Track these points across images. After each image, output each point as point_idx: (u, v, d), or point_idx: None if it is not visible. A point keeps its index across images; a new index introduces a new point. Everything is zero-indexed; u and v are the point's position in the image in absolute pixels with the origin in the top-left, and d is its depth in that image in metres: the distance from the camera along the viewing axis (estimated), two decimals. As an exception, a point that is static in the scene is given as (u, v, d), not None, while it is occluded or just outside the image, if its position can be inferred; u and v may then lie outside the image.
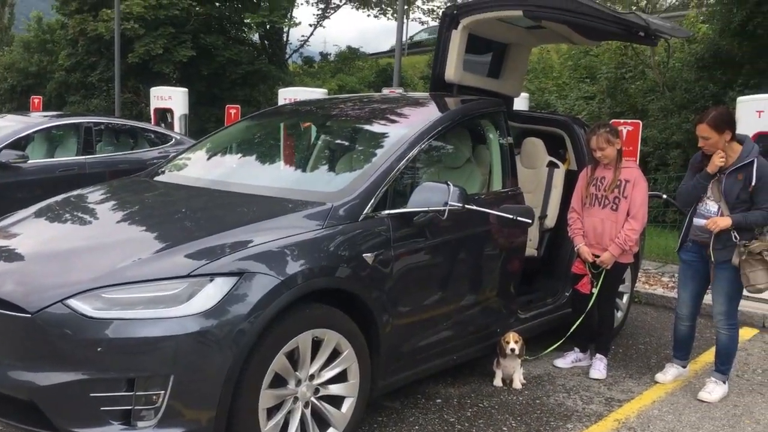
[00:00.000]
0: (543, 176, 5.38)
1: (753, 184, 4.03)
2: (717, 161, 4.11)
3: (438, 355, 3.97)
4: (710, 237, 4.16)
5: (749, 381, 4.68)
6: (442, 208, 3.57)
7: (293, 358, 3.16)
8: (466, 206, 3.62)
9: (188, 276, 2.89)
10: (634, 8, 13.91)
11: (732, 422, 4.01)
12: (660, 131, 11.09)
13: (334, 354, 3.31)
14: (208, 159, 4.62)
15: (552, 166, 5.39)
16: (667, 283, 7.14)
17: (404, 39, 20.34)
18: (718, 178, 4.16)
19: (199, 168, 4.44)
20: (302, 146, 4.83)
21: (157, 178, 4.28)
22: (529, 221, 3.82)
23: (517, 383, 4.37)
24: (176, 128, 10.91)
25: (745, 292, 4.26)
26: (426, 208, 3.59)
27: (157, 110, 11.49)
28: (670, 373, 4.56)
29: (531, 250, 5.04)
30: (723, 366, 4.37)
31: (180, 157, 4.70)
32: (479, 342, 4.28)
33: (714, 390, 4.32)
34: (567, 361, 4.80)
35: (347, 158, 4.28)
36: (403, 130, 4.12)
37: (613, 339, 5.02)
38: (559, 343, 4.71)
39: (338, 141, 4.73)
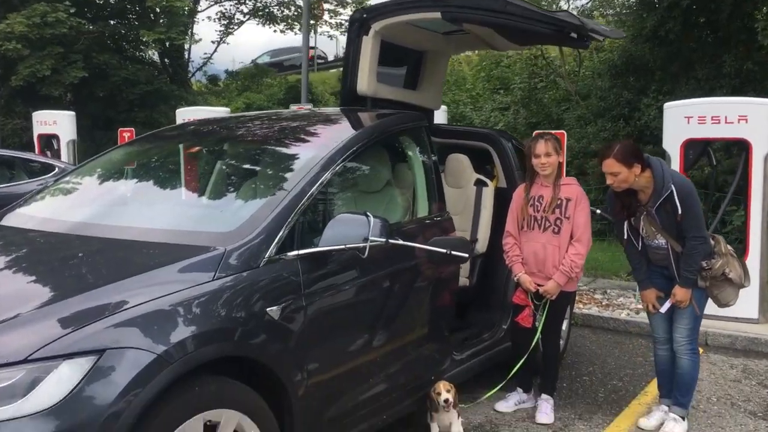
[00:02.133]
0: (471, 196, 4.86)
1: (679, 212, 3.62)
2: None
3: (366, 417, 3.33)
4: (669, 264, 3.74)
5: (706, 412, 4.25)
6: (362, 244, 2.95)
7: (180, 451, 2.46)
8: (390, 241, 3.01)
9: (25, 361, 2.15)
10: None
11: (700, 468, 3.54)
12: (577, 140, 10.90)
13: (235, 438, 2.62)
14: (71, 195, 3.83)
15: (480, 184, 4.87)
16: (601, 301, 6.76)
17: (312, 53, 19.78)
18: (647, 213, 3.73)
19: (58, 207, 3.65)
20: (193, 176, 4.10)
21: (2, 222, 3.46)
22: (465, 255, 3.24)
23: None
24: (63, 156, 9.87)
25: None
26: (343, 246, 2.95)
27: (41, 137, 10.41)
28: (655, 417, 4.03)
29: (462, 279, 4.48)
30: (684, 398, 3.92)
31: (38, 193, 3.88)
32: (412, 394, 3.66)
33: (674, 429, 3.86)
34: (509, 404, 4.25)
35: (247, 188, 3.60)
36: (312, 151, 3.49)
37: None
38: (499, 387, 4.16)
39: (237, 167, 4.03)
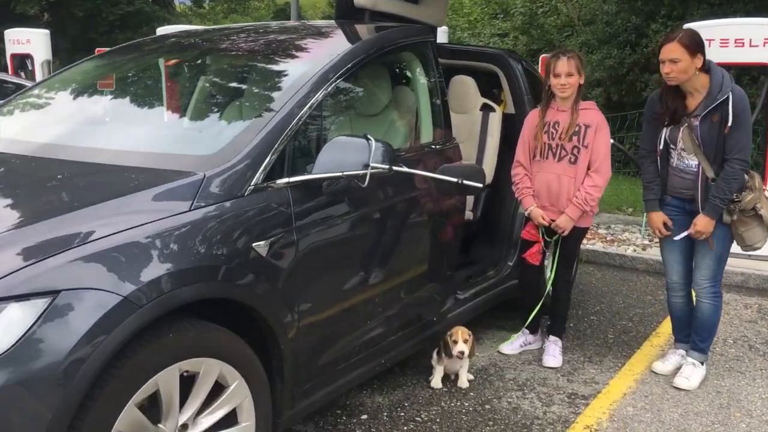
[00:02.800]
0: (476, 122, 4.46)
1: (729, 124, 3.24)
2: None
3: (363, 362, 3.03)
4: (695, 192, 3.37)
5: (723, 355, 4.00)
6: (362, 171, 2.58)
7: (153, 404, 2.15)
8: (394, 168, 2.65)
9: (-38, 303, 1.80)
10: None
11: (721, 418, 3.29)
12: (580, 68, 10.40)
13: (217, 389, 2.31)
14: (36, 113, 3.41)
15: (486, 109, 4.47)
16: (605, 236, 6.47)
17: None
18: (688, 124, 3.34)
19: (22, 126, 3.24)
20: (172, 93, 3.66)
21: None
22: (479, 185, 2.88)
23: (464, 381, 3.52)
24: (39, 77, 9.32)
25: None
26: (340, 173, 2.58)
27: (14, 56, 9.81)
28: (671, 362, 3.75)
29: (466, 212, 4.14)
30: (703, 344, 3.64)
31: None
32: (412, 337, 3.36)
33: (692, 374, 3.60)
34: (515, 346, 3.97)
35: (232, 108, 3.19)
36: (303, 68, 3.07)
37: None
38: (515, 337, 3.88)
39: (221, 85, 3.60)
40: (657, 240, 6.42)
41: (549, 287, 3.88)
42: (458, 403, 3.36)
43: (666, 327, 4.39)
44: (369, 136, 2.63)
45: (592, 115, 3.60)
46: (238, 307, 2.38)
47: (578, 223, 3.67)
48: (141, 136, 2.96)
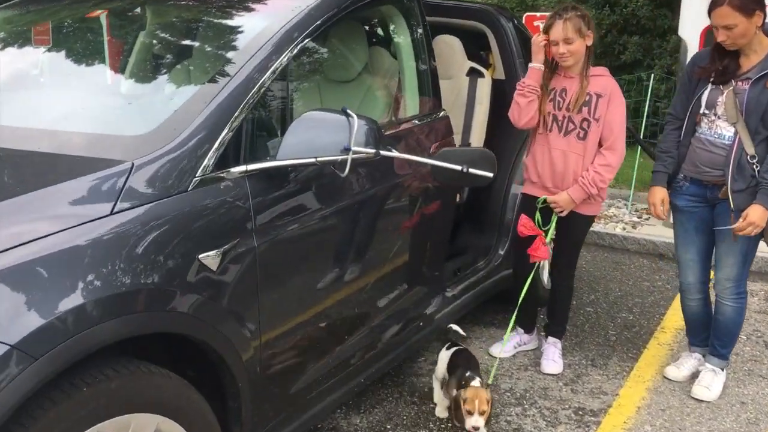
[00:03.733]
0: (462, 89, 3.89)
1: None
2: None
3: (341, 383, 2.50)
4: (725, 173, 2.86)
5: (738, 355, 3.56)
6: (342, 156, 2.01)
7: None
8: (382, 152, 2.08)
9: None
10: None
11: (752, 436, 2.86)
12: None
13: (153, 450, 1.75)
14: None
15: (474, 74, 3.90)
16: (591, 212, 6.00)
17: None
18: (734, 87, 2.83)
19: None
20: (102, 54, 2.99)
21: None
22: (490, 175, 2.32)
23: None
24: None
25: None
26: (313, 159, 2.01)
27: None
28: (686, 367, 3.29)
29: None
30: (724, 349, 3.19)
31: None
32: (396, 347, 2.83)
33: (713, 383, 3.15)
34: (507, 348, 3.48)
35: (176, 73, 2.56)
36: (262, 24, 2.46)
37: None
38: (507, 338, 3.37)
39: (163, 42, 2.95)
40: (646, 217, 6.09)
41: (536, 269, 3.30)
42: (449, 424, 2.86)
43: (670, 320, 3.96)
44: (349, 111, 2.06)
45: (604, 82, 3.07)
46: (182, 339, 1.81)
47: (583, 210, 3.16)
48: (51, 111, 2.32)
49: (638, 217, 5.85)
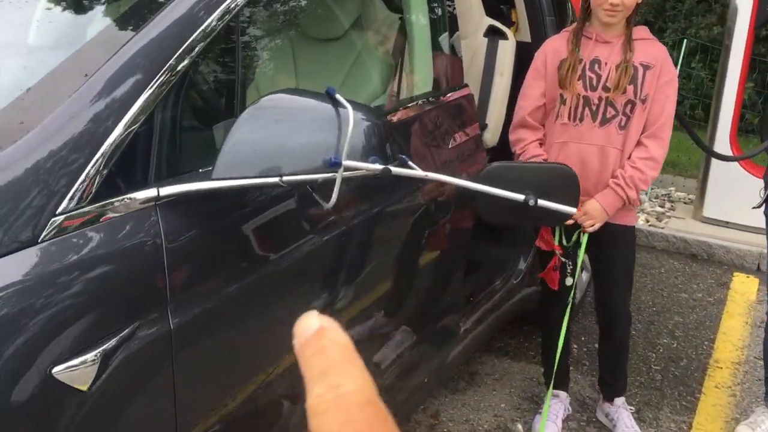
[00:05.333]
0: (479, 53, 3.02)
1: None
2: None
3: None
4: None
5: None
6: (326, 175, 1.16)
7: None
8: (392, 169, 1.22)
9: None
10: None
11: None
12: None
13: None
14: None
15: (493, 34, 3.02)
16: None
17: None
18: None
19: None
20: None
21: None
22: (572, 210, 1.45)
23: None
24: None
25: None
26: (276, 178, 1.15)
27: None
28: (764, 428, 2.50)
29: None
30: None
31: None
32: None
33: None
34: (556, 424, 2.59)
35: (44, 26, 1.67)
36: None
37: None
38: (546, 409, 2.53)
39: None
40: (669, 206, 5.33)
41: (570, 305, 2.51)
42: None
43: (723, 351, 3.19)
44: (339, 96, 1.20)
45: (651, 48, 2.18)
46: None
47: (621, 220, 2.29)
48: None
49: (660, 206, 5.08)
